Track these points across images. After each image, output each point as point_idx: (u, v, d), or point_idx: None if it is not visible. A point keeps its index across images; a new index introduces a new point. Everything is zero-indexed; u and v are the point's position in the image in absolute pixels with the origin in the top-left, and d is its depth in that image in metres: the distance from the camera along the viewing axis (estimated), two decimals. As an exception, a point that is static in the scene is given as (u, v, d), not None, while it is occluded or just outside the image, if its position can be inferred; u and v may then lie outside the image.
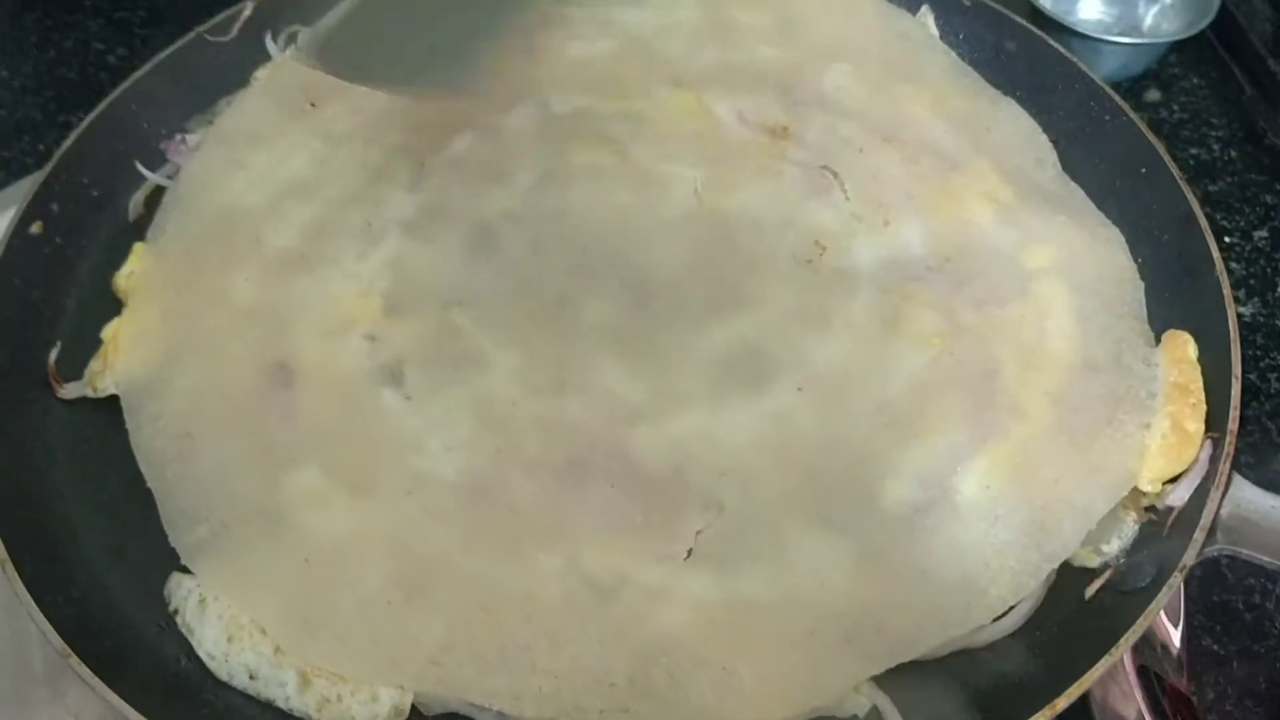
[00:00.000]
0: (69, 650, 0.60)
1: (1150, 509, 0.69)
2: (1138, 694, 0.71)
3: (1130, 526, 0.69)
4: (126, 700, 0.58)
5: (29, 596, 0.62)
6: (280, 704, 0.62)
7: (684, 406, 0.70)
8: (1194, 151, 1.08)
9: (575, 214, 0.80)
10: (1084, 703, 0.70)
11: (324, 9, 0.93)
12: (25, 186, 0.80)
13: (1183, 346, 0.73)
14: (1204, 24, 1.07)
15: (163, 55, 0.88)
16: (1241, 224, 1.03)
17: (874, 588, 0.64)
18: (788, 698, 0.61)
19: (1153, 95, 1.13)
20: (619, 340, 0.73)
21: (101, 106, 0.85)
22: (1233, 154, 1.08)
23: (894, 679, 0.63)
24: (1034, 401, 0.71)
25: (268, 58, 0.93)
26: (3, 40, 1.20)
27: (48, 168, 0.81)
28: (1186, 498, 0.67)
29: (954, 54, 0.92)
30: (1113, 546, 0.68)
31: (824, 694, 0.61)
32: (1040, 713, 0.58)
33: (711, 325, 0.74)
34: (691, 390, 0.71)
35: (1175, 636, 0.76)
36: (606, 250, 0.78)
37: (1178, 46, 1.11)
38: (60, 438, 0.73)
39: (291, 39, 0.93)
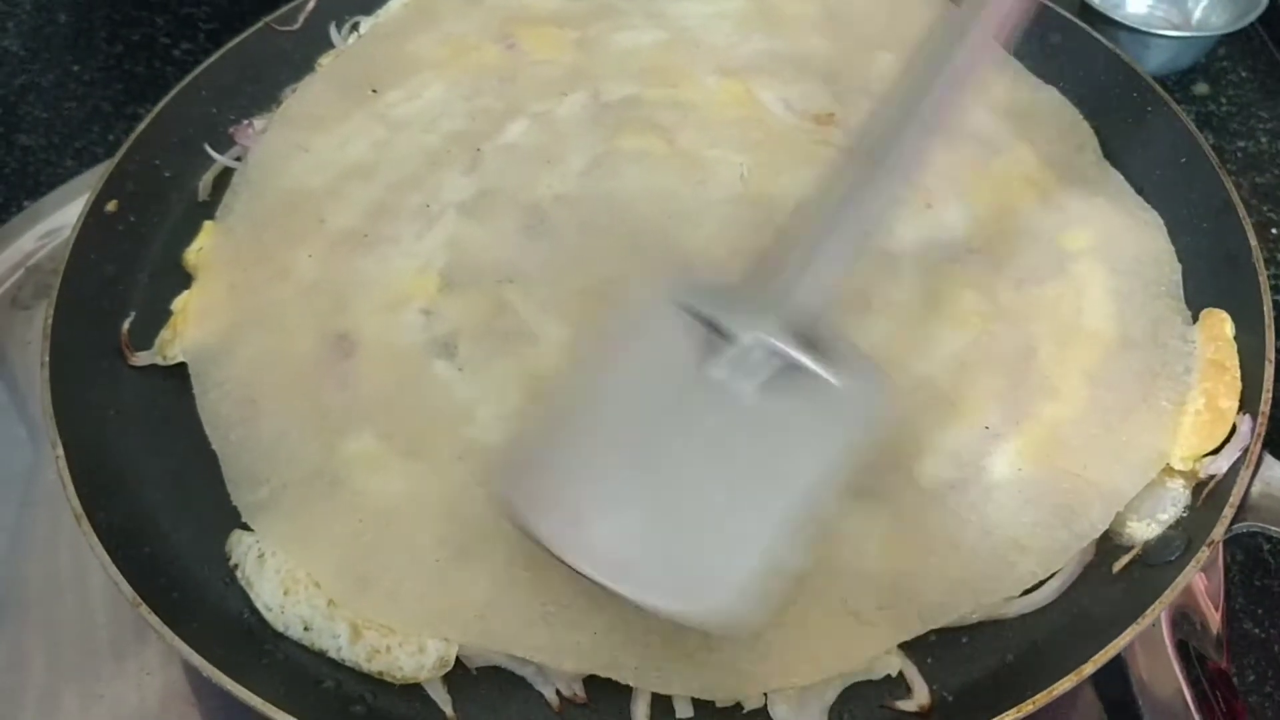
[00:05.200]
0: (139, 600, 0.62)
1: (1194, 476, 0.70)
2: (1177, 671, 0.72)
3: (1183, 494, 0.69)
4: (192, 647, 0.61)
5: (103, 550, 0.64)
6: (332, 654, 0.64)
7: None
8: (1241, 144, 1.09)
9: (624, 197, 0.82)
10: (1124, 679, 0.72)
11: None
12: (98, 173, 0.84)
13: (1220, 325, 0.73)
14: (1253, 17, 1.07)
15: (232, 44, 0.92)
16: (1289, 216, 1.04)
17: (907, 558, 0.65)
18: (818, 662, 0.62)
19: (1201, 88, 1.14)
20: (663, 319, 0.75)
21: (174, 92, 0.88)
22: (1281, 146, 1.09)
23: (923, 644, 0.64)
24: (1069, 380, 0.72)
25: (331, 46, 0.96)
26: (73, 35, 1.24)
27: (123, 149, 0.84)
28: (1226, 468, 0.68)
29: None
30: (1168, 514, 0.69)
31: (854, 659, 0.63)
32: (1066, 678, 0.59)
33: (754, 306, 0.76)
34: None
35: (1215, 617, 0.76)
36: (654, 232, 0.80)
37: (1226, 40, 1.12)
38: (131, 403, 0.76)
39: (354, 28, 0.97)
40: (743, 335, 0.59)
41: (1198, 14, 1.15)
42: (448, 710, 0.63)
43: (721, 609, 0.56)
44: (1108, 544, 0.69)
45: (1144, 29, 1.07)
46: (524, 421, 0.66)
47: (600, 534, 0.58)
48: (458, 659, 0.63)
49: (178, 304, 0.79)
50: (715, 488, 0.58)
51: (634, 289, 0.67)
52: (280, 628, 0.65)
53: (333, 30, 0.96)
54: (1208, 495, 0.68)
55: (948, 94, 0.63)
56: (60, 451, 0.68)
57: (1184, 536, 0.67)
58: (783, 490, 0.58)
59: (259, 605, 0.66)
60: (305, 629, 0.65)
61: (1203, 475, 0.69)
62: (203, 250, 0.81)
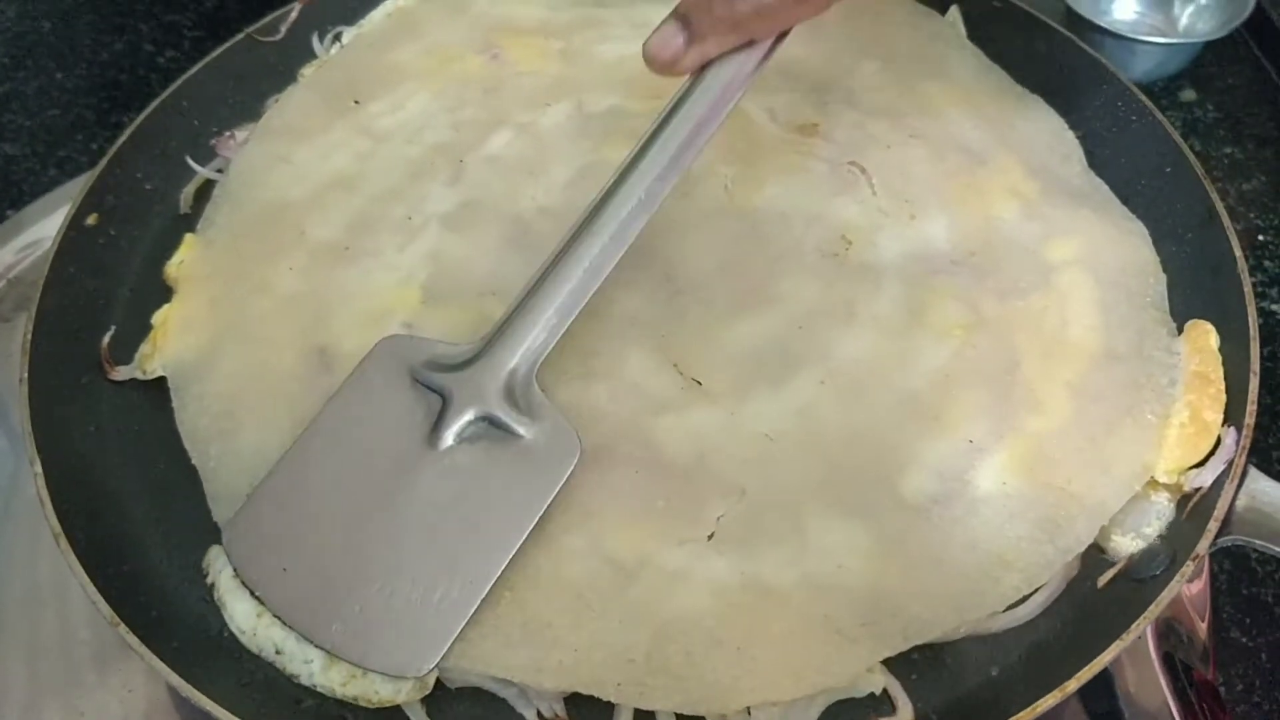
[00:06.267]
0: (117, 619, 0.62)
1: (1179, 489, 0.69)
2: (1163, 683, 0.71)
3: (1168, 508, 0.69)
4: (171, 666, 0.60)
5: (81, 569, 0.64)
6: (304, 680, 0.63)
7: (708, 399, 0.72)
8: (1228, 150, 1.09)
9: (607, 209, 0.82)
10: (1110, 693, 0.71)
11: (368, 7, 0.97)
12: (80, 184, 0.83)
13: (1204, 336, 0.73)
14: (1238, 23, 1.08)
15: (214, 55, 0.91)
16: (1276, 222, 1.04)
17: (890, 573, 0.65)
18: (800, 679, 0.62)
19: (1188, 95, 1.14)
20: (647, 332, 0.75)
21: (155, 104, 0.88)
22: (1268, 153, 1.08)
23: (906, 660, 0.64)
24: (1053, 393, 0.71)
25: (314, 56, 0.96)
26: (57, 43, 1.24)
27: (103, 162, 0.84)
28: (1210, 481, 0.67)
29: (982, 53, 0.93)
30: (1153, 528, 0.68)
31: (837, 676, 0.62)
32: (1051, 694, 0.59)
33: (738, 319, 0.76)
34: (716, 383, 0.72)
35: (1202, 628, 0.76)
36: (637, 245, 0.79)
37: (1212, 46, 1.11)
38: (111, 418, 0.75)
39: (337, 38, 0.96)
40: (469, 408, 0.66)
41: (1184, 20, 1.15)
42: (424, 731, 0.63)
43: (418, 668, 0.61)
44: (1093, 558, 0.68)
45: (1130, 36, 1.07)
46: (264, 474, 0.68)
47: (302, 592, 0.63)
48: (437, 679, 0.63)
49: (158, 318, 0.78)
50: (429, 551, 0.63)
51: (377, 347, 0.71)
52: (254, 650, 0.64)
53: (315, 40, 0.96)
54: (1192, 508, 0.68)
55: (658, 178, 0.70)
56: (39, 469, 0.68)
57: (1169, 550, 0.66)
58: (493, 548, 0.63)
59: (232, 628, 0.65)
60: (277, 653, 0.63)
61: (1187, 488, 0.68)
62: (183, 263, 0.81)
